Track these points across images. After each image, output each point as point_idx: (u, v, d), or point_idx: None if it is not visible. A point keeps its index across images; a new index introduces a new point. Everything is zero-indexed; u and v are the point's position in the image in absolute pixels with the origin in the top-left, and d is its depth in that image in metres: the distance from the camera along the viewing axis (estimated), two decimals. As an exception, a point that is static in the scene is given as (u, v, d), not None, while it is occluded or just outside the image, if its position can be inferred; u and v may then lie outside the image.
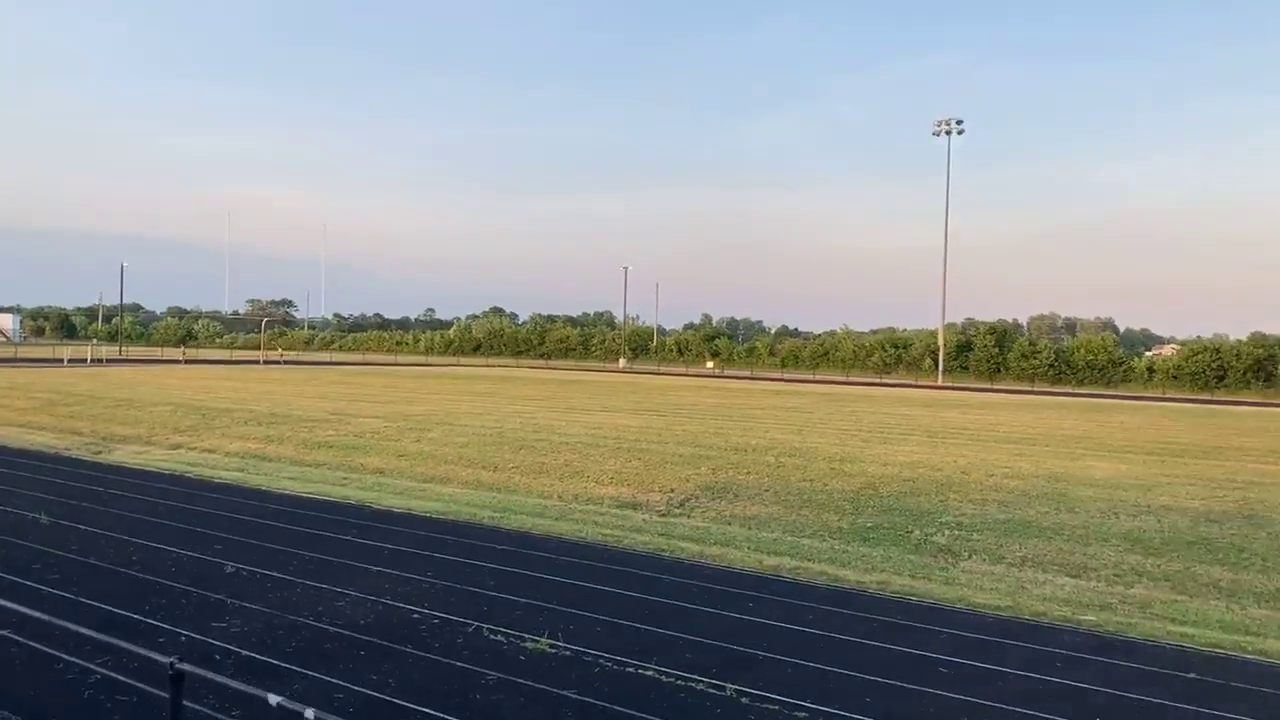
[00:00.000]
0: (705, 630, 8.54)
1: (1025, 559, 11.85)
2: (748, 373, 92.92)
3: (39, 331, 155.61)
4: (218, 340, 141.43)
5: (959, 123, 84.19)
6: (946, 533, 13.19)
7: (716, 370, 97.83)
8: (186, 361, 73.05)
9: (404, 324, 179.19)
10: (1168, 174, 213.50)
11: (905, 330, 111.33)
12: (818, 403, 40.60)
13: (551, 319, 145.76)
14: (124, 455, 19.68)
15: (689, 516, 14.16)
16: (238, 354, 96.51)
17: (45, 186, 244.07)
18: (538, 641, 7.97)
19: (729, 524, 13.71)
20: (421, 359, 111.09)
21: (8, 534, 11.42)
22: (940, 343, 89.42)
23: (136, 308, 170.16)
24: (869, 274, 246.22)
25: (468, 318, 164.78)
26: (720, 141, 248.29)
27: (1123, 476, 19.05)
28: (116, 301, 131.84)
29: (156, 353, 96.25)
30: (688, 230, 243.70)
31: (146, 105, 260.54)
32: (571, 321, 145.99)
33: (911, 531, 13.27)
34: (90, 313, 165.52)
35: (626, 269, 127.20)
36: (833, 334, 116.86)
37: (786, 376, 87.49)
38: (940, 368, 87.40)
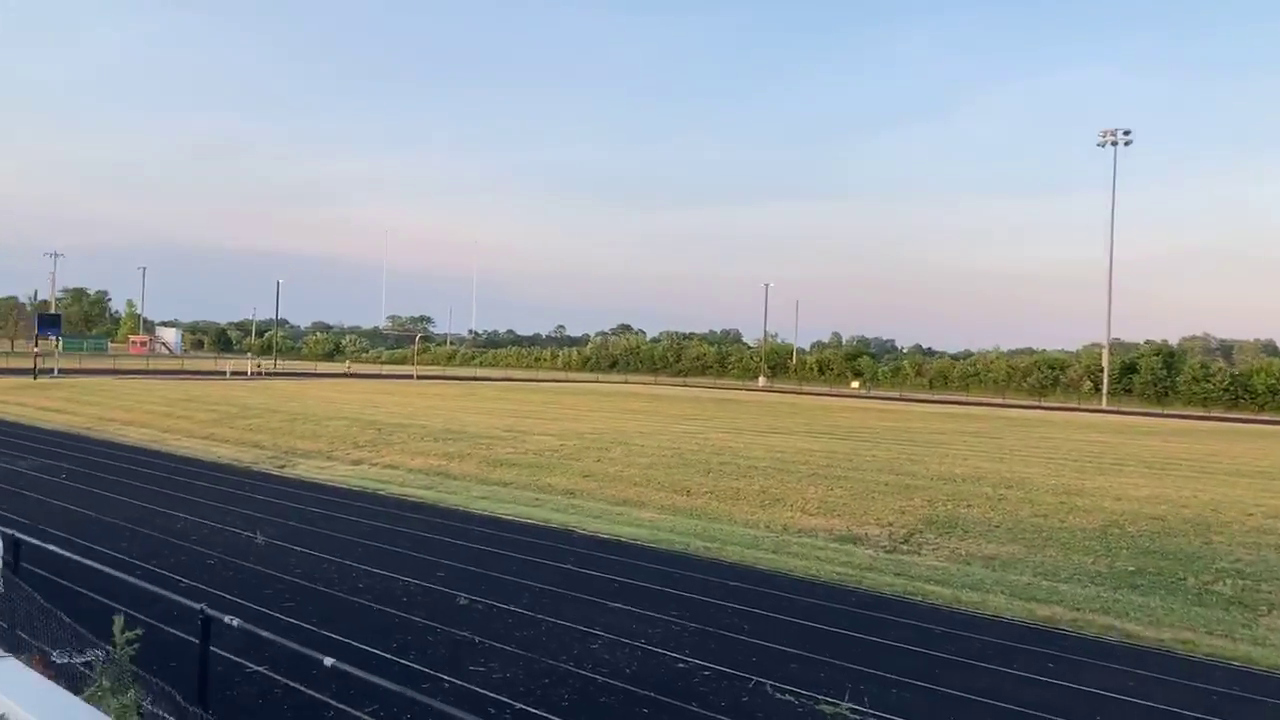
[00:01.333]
0: (1017, 696, 7.36)
1: (1343, 618, 10.16)
2: (895, 393, 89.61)
3: (198, 345, 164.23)
4: (364, 355, 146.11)
5: (1126, 133, 79.33)
6: (1228, 581, 11.53)
7: (863, 390, 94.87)
8: (350, 375, 75.45)
9: (535, 340, 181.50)
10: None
11: (1047, 351, 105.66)
12: (1000, 427, 38.05)
13: (686, 336, 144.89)
14: (307, 470, 19.70)
15: (919, 554, 12.92)
16: (385, 369, 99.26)
17: (194, 204, 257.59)
18: (836, 705, 6.93)
19: (968, 564, 12.41)
20: (560, 375, 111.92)
21: (231, 554, 11.13)
22: (1105, 364, 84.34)
23: (283, 322, 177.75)
24: (1002, 293, 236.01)
25: (596, 334, 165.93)
26: (848, 159, 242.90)
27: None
28: (267, 316, 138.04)
29: (309, 366, 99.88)
30: (816, 248, 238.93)
31: (295, 131, 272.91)
32: (703, 339, 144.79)
33: (1184, 579, 11.67)
34: (243, 327, 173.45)
35: (767, 285, 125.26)
36: (971, 354, 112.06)
37: (937, 398, 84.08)
38: (1105, 390, 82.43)
